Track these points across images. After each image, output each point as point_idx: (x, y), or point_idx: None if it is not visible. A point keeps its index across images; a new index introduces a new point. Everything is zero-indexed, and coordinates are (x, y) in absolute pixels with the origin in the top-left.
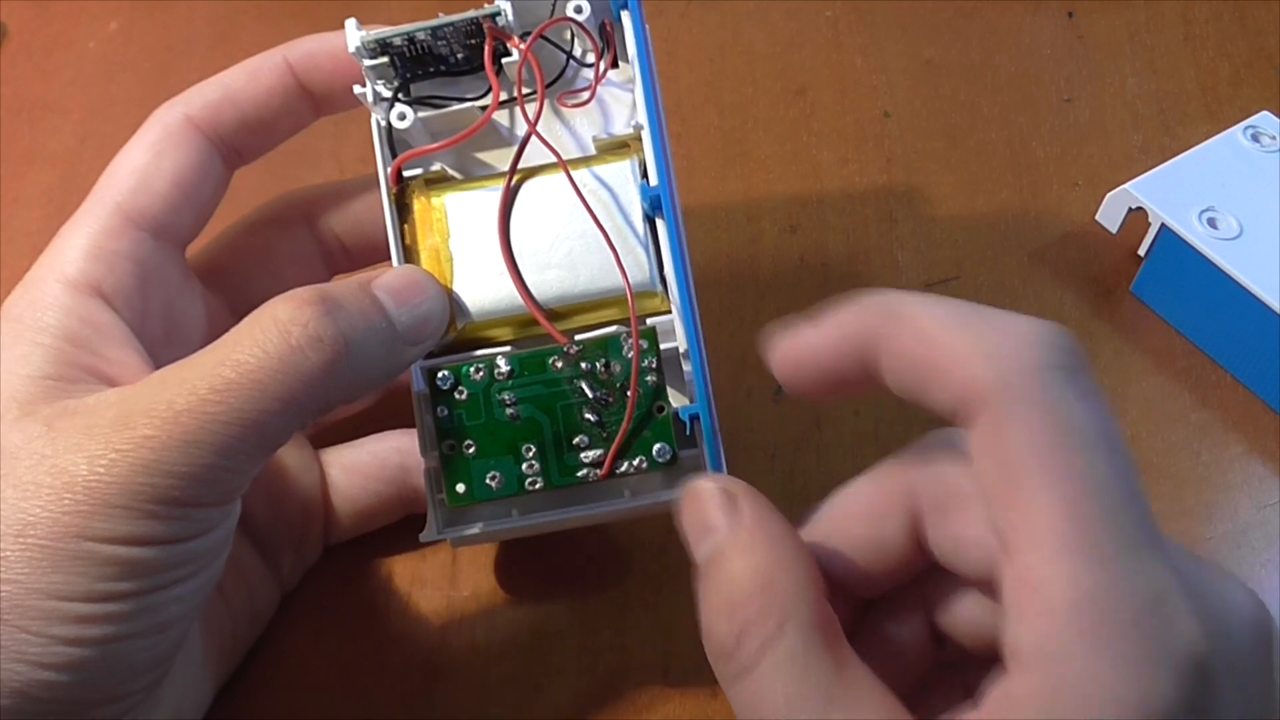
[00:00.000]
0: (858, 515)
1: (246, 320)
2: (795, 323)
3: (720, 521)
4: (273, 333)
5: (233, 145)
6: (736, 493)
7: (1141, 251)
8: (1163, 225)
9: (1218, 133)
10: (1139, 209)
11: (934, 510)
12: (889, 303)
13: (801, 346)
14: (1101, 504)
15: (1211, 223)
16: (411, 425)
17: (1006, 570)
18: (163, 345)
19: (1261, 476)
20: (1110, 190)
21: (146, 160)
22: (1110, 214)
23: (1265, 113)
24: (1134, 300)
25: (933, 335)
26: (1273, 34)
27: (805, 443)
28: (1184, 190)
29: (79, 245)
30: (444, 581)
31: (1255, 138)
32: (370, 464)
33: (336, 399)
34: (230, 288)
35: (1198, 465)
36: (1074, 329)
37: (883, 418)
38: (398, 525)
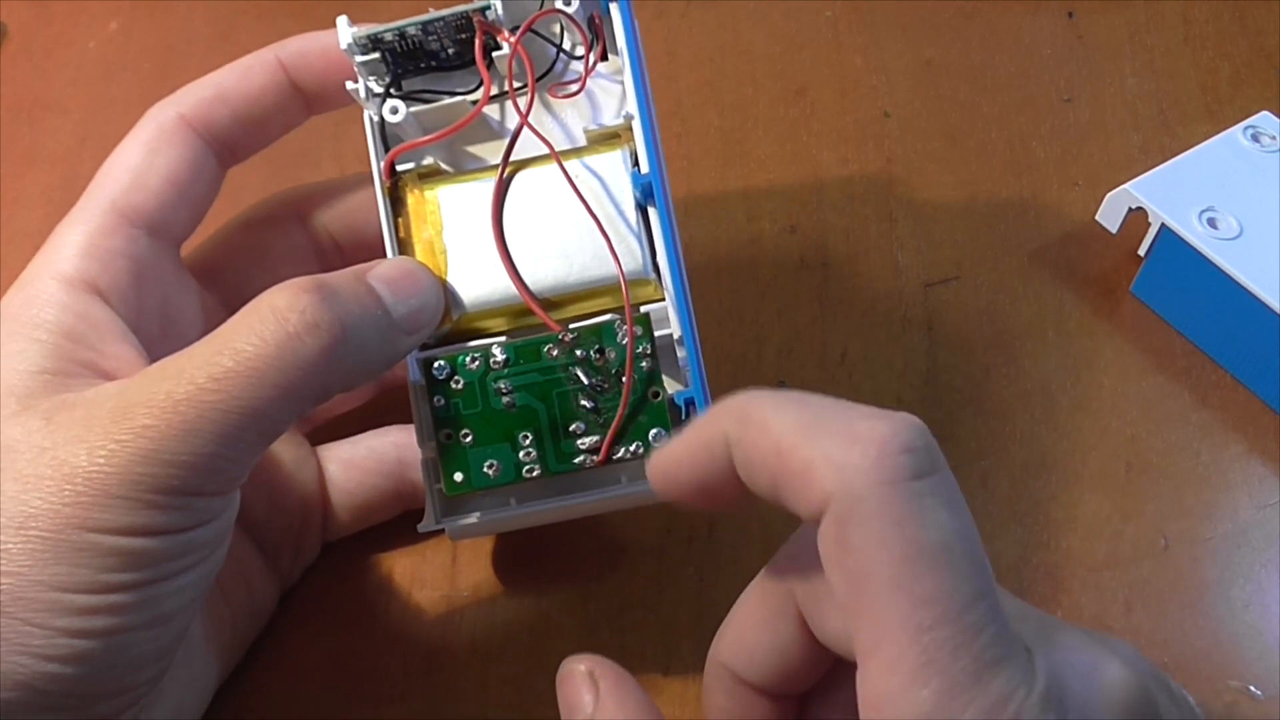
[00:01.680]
0: (755, 623)
1: (244, 310)
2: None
3: (585, 700)
4: (270, 320)
5: (226, 143)
6: (600, 674)
7: (1141, 251)
8: (1163, 225)
9: (1218, 133)
10: (1139, 209)
11: (811, 610)
12: (742, 407)
13: (669, 457)
14: (951, 627)
15: (1211, 223)
16: (408, 421)
17: (859, 681)
18: (159, 341)
19: (1261, 476)
20: (1110, 190)
21: (141, 158)
22: (1110, 214)
23: (1265, 113)
24: (1134, 300)
25: (781, 443)
26: (1273, 34)
27: None
28: (1184, 190)
29: (74, 243)
30: (443, 580)
31: (1255, 138)
32: (368, 459)
33: (334, 386)
34: (225, 284)
35: (1198, 465)
36: (1074, 329)
37: None
38: (397, 524)
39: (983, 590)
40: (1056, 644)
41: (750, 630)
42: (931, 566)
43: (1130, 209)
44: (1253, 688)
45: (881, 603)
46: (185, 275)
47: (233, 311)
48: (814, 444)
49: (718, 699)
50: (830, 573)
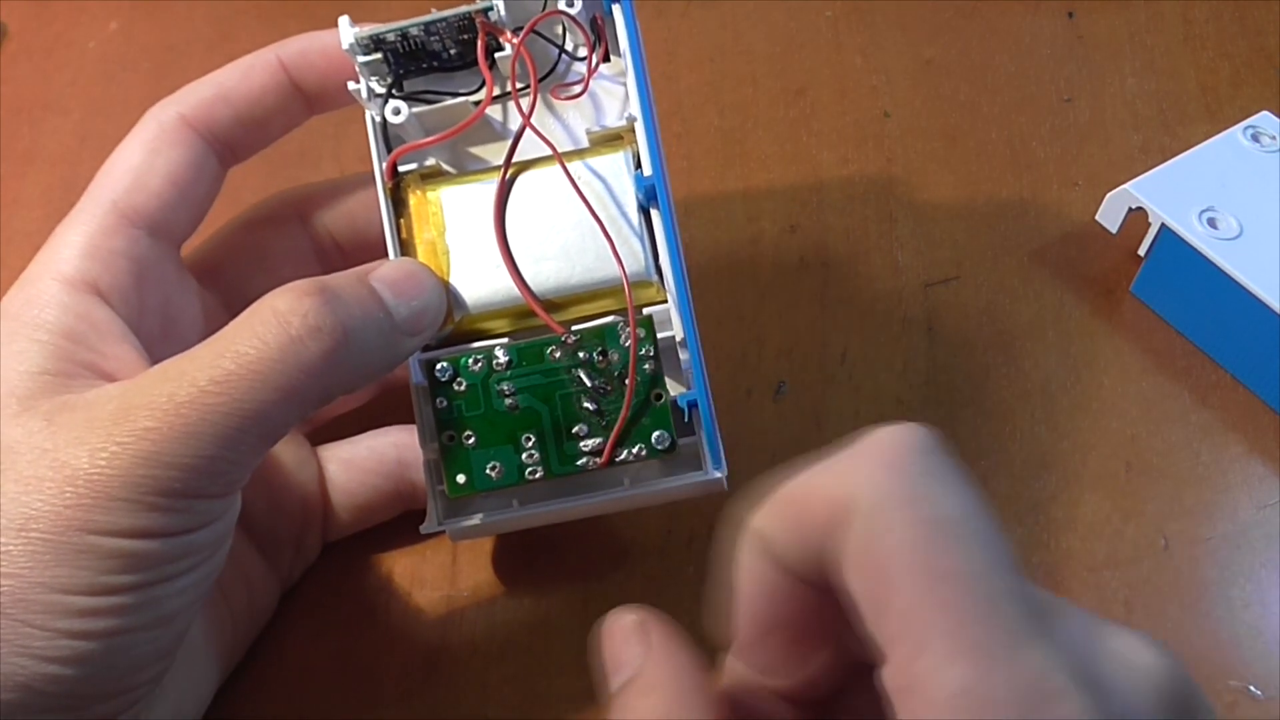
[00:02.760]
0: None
1: (246, 312)
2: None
3: (631, 656)
4: (272, 323)
5: (227, 143)
6: (650, 626)
7: (1141, 251)
8: (1163, 225)
9: (1218, 133)
10: (1139, 209)
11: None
12: (746, 519)
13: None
14: (976, 598)
15: (1211, 223)
16: (408, 421)
17: (885, 680)
18: (160, 342)
19: (1261, 476)
20: (1110, 190)
21: (141, 158)
22: (1110, 214)
23: (1265, 113)
24: (1134, 300)
25: (792, 489)
26: (1273, 34)
27: (805, 443)
28: (1184, 190)
29: (75, 243)
30: (444, 580)
31: (1255, 138)
32: (368, 459)
33: (336, 389)
34: (225, 285)
35: (1198, 465)
36: (1074, 329)
37: (885, 416)
38: (397, 523)
39: (1004, 562)
40: (1085, 625)
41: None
42: (949, 542)
43: (1130, 209)
44: (1253, 688)
45: (902, 588)
46: (186, 276)
47: (233, 312)
48: (821, 473)
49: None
50: (853, 578)
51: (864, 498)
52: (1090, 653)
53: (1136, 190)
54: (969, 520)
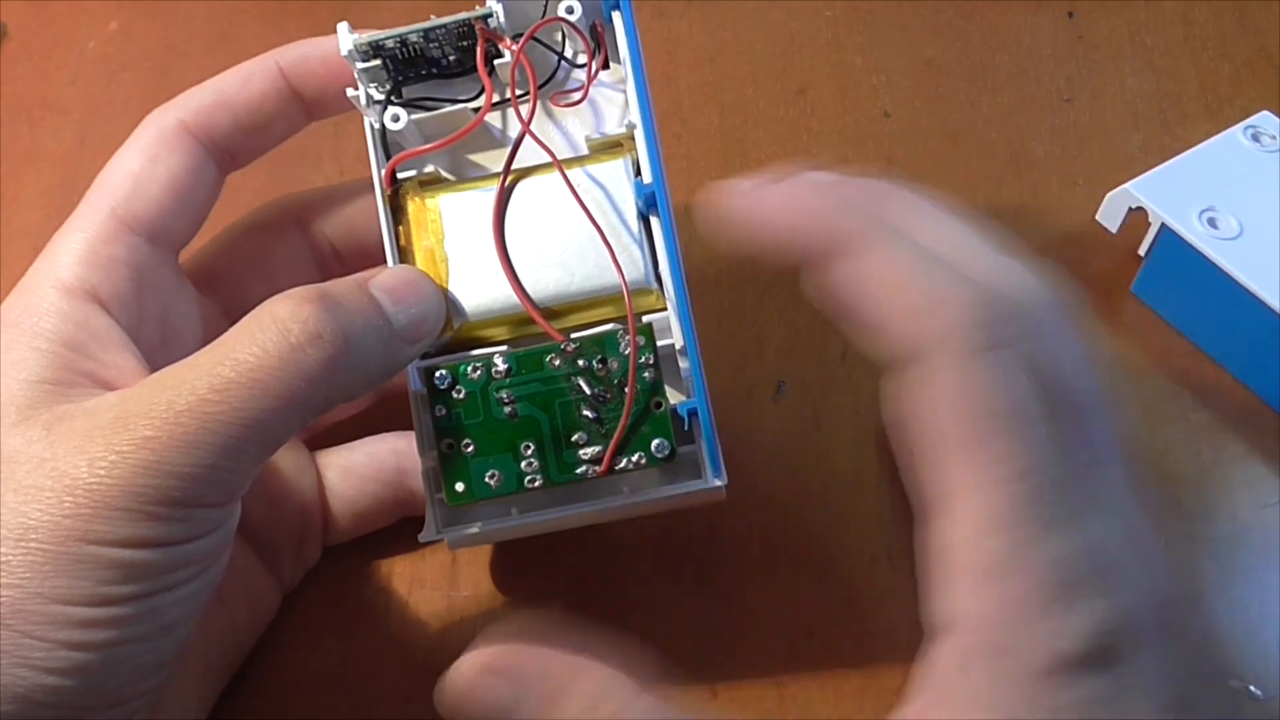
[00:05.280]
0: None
1: (245, 319)
2: (761, 178)
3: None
4: (272, 331)
5: (226, 150)
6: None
7: (1141, 251)
8: (1163, 225)
9: (1218, 132)
10: (1139, 209)
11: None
12: (868, 219)
13: (767, 206)
14: (1013, 483)
15: (1212, 222)
16: (406, 427)
17: (931, 534)
18: (159, 350)
19: (1261, 476)
20: (1110, 190)
21: (141, 165)
22: (1110, 214)
23: (1265, 112)
24: (1134, 300)
25: (896, 278)
26: (1273, 34)
27: (805, 443)
28: (1184, 190)
29: (74, 250)
30: (443, 582)
31: (1255, 137)
32: (367, 466)
33: (336, 397)
34: (224, 292)
35: (1198, 465)
36: None
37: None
38: (397, 525)
39: (1049, 456)
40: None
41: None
42: (1001, 430)
43: (1130, 209)
44: (1253, 688)
45: (952, 460)
46: (184, 283)
47: (231, 319)
48: (926, 288)
49: None
50: (909, 411)
51: (931, 366)
52: (1123, 547)
53: (1136, 190)
54: (1022, 411)
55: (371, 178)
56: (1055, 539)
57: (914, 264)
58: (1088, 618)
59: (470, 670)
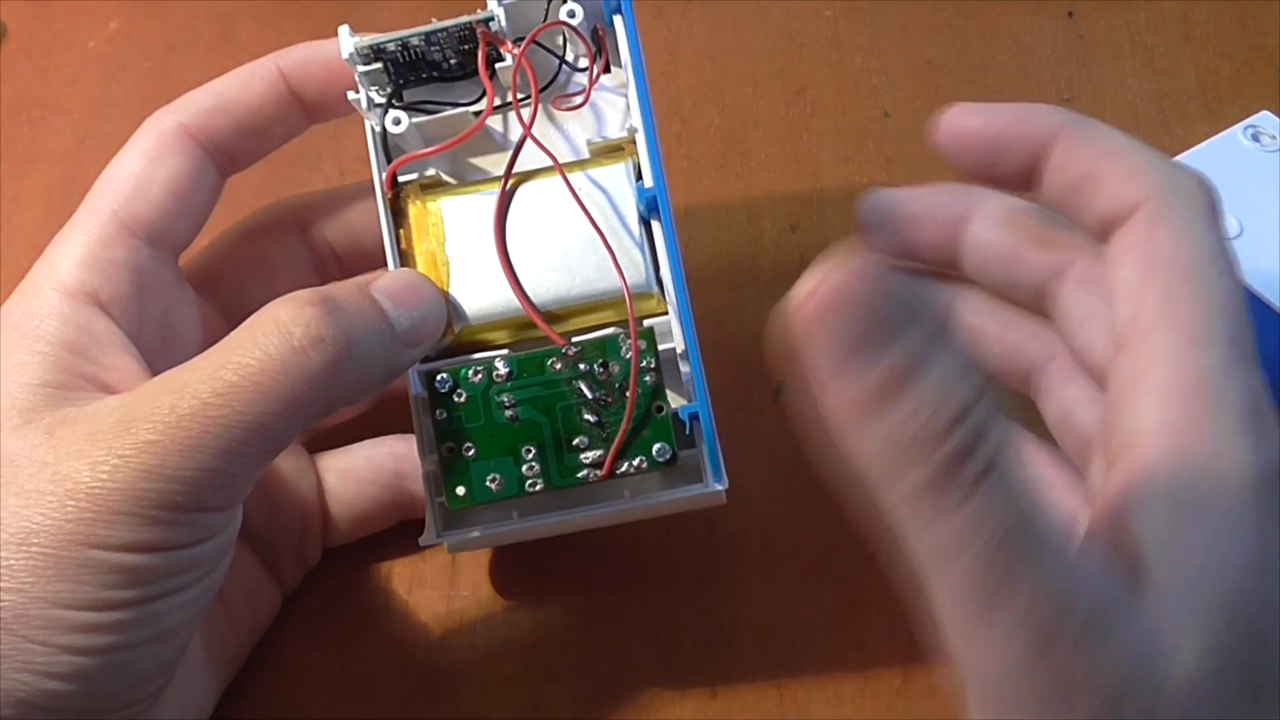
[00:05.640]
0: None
1: (247, 323)
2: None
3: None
4: (274, 334)
5: (226, 153)
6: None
7: None
8: None
9: (1218, 133)
10: None
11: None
12: (1069, 115)
13: (981, 123)
14: (1221, 317)
15: None
16: (405, 430)
17: (1123, 361)
18: (159, 353)
19: None
20: None
21: (141, 168)
22: None
23: (1265, 112)
24: None
25: (1110, 147)
26: (1273, 34)
27: (805, 442)
28: None
29: (75, 253)
30: (443, 582)
31: (1255, 137)
32: (366, 469)
33: (338, 400)
34: (223, 295)
35: None
36: None
37: None
38: (396, 527)
39: (1238, 306)
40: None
41: None
42: (1216, 271)
43: None
44: None
45: (1170, 286)
46: (184, 286)
47: (231, 322)
48: (1136, 159)
49: None
50: (1119, 260)
51: (1161, 206)
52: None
53: None
54: (1227, 260)
55: (371, 180)
56: (1247, 373)
57: (1123, 138)
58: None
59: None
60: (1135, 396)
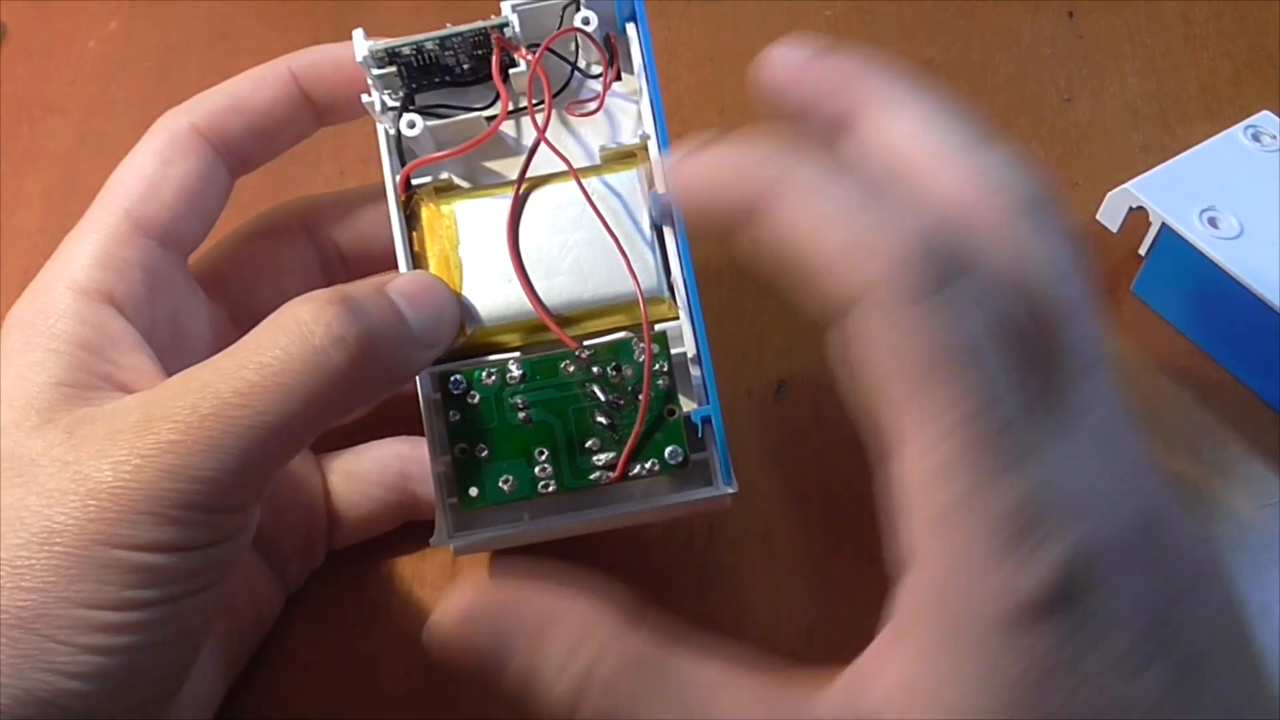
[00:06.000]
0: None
1: (266, 322)
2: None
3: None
4: (295, 334)
5: (237, 154)
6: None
7: (1142, 251)
8: (1163, 225)
9: (1218, 132)
10: (1139, 208)
11: None
12: (787, 164)
13: (700, 170)
14: (964, 427)
15: (1212, 222)
16: (409, 432)
17: (892, 469)
18: (169, 353)
19: (1261, 476)
20: (1110, 190)
21: (154, 168)
22: (1111, 213)
23: (1265, 112)
24: (1135, 300)
25: (819, 225)
26: (1273, 34)
27: (805, 442)
28: (1184, 190)
29: (88, 252)
30: (445, 582)
31: (1255, 137)
32: (371, 470)
33: (357, 400)
34: (230, 295)
35: (1198, 465)
36: None
37: None
38: (400, 527)
39: (1002, 392)
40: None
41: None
42: (944, 377)
43: (1131, 208)
44: None
45: (900, 408)
46: (194, 286)
47: (238, 322)
48: (850, 234)
49: None
50: (855, 370)
51: (866, 316)
52: (1089, 475)
53: (1137, 190)
54: (971, 350)
55: (380, 183)
56: (1010, 481)
57: (838, 207)
58: (1046, 560)
59: (450, 620)
60: (899, 518)
